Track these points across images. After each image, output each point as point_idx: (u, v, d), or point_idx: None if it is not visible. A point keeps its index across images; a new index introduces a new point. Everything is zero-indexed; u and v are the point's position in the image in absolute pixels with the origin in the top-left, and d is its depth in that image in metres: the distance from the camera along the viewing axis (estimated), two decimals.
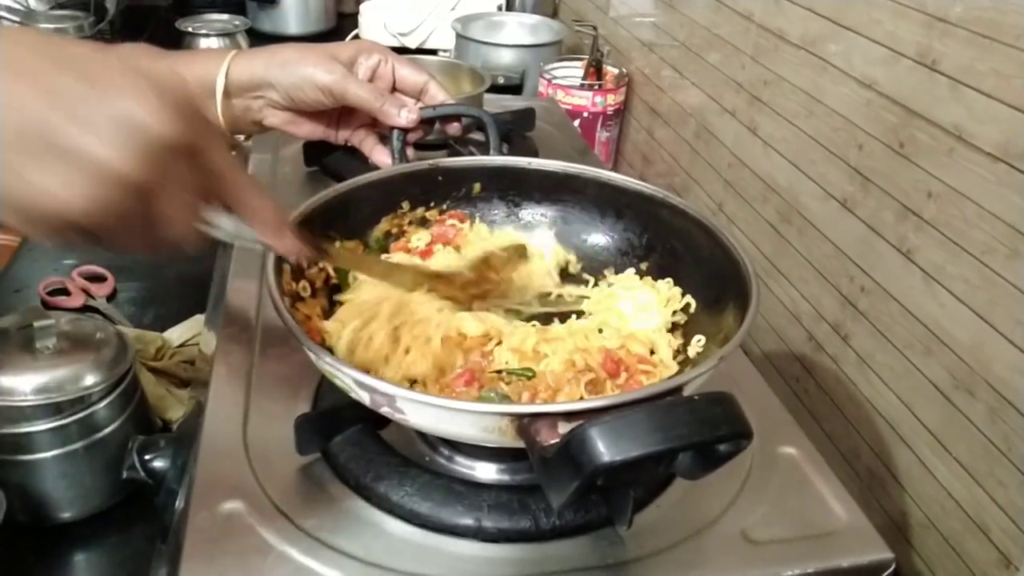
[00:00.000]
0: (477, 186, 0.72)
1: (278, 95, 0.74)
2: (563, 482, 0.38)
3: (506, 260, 0.69)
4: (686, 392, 0.46)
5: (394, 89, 0.79)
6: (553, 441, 0.39)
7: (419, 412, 0.45)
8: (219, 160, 0.41)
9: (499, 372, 0.56)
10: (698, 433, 0.39)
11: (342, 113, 0.78)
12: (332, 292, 0.62)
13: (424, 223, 0.71)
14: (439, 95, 0.78)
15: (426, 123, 0.77)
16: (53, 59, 0.35)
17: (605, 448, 0.37)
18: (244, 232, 0.45)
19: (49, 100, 0.34)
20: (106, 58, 0.37)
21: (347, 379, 0.46)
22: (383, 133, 0.79)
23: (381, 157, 0.79)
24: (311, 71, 0.72)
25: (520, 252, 0.70)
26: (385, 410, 0.46)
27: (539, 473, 0.41)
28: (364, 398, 0.46)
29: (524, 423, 0.41)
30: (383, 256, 0.68)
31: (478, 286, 0.66)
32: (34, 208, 0.34)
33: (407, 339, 0.58)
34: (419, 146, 0.80)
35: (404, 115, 0.74)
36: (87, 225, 0.35)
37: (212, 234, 0.44)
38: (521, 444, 0.43)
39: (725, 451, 0.41)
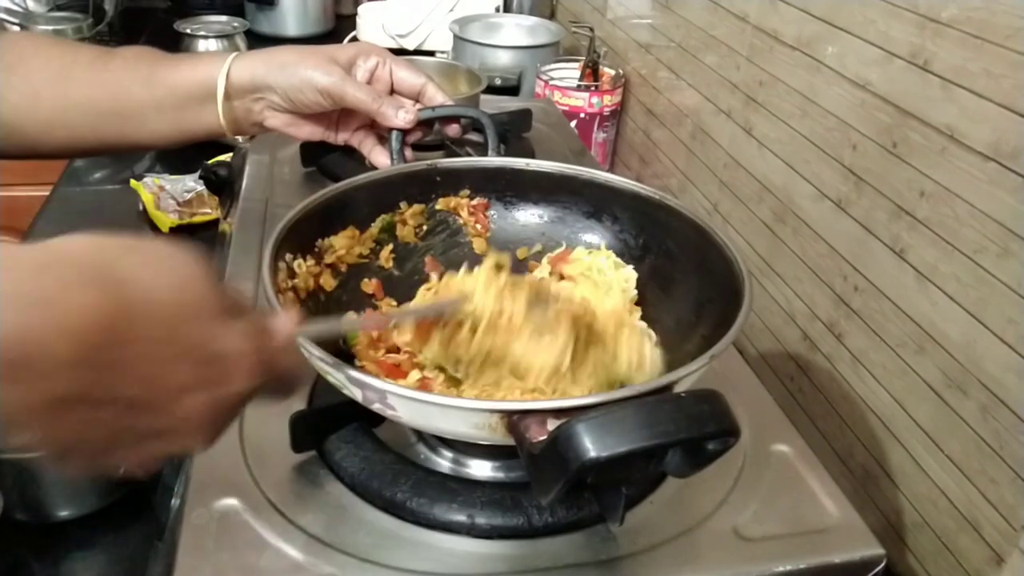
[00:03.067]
0: (467, 191, 0.72)
1: (278, 97, 0.74)
2: (551, 478, 0.39)
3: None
4: (677, 390, 0.46)
5: (392, 91, 0.79)
6: (542, 438, 0.40)
7: (410, 408, 0.45)
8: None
9: None
10: (685, 430, 0.39)
11: (341, 114, 0.79)
12: (316, 298, 0.62)
13: None
14: (437, 96, 0.79)
15: (425, 124, 0.78)
16: None
17: (591, 444, 0.37)
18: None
19: None
20: None
21: (339, 376, 0.46)
22: (382, 134, 0.80)
23: (380, 158, 0.79)
24: (310, 73, 0.73)
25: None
26: (377, 406, 0.46)
27: (528, 469, 0.41)
28: (356, 394, 0.47)
29: (514, 420, 0.42)
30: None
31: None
32: None
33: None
34: (417, 147, 0.81)
35: (401, 116, 0.75)
36: None
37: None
38: (512, 441, 0.43)
39: (713, 449, 0.41)
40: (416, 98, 0.80)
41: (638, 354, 0.56)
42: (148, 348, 0.34)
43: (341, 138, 0.81)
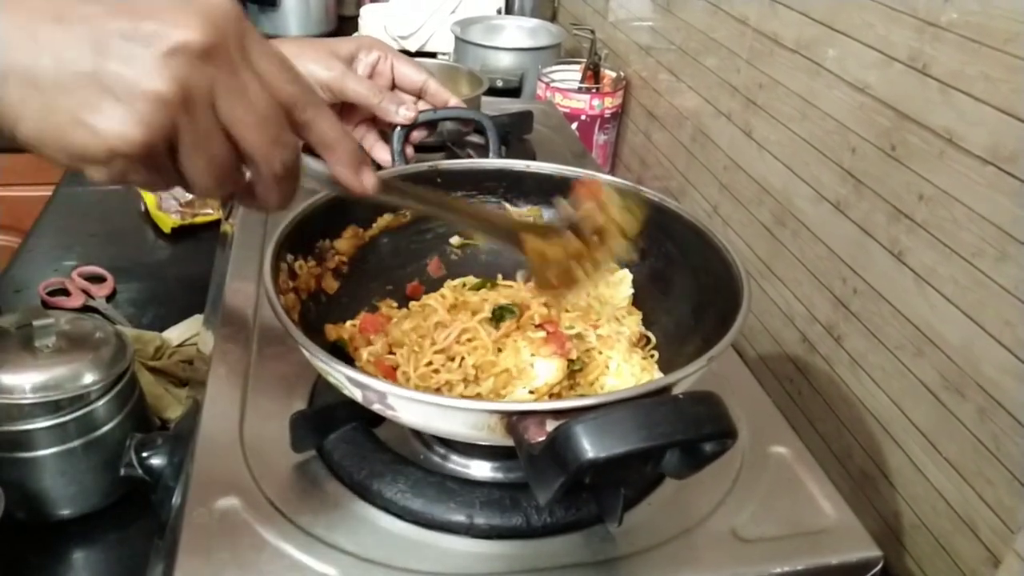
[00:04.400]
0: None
1: None
2: (549, 479, 0.39)
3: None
4: (675, 392, 0.47)
5: (393, 86, 0.80)
6: (540, 439, 0.40)
7: (409, 409, 0.46)
8: (274, 71, 0.38)
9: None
10: (682, 431, 0.39)
11: (343, 108, 0.79)
12: (317, 299, 0.63)
13: None
14: (440, 92, 0.79)
15: (428, 124, 0.78)
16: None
17: (589, 445, 0.37)
18: (313, 166, 0.41)
19: (90, 40, 0.34)
20: None
21: (339, 376, 0.46)
22: (384, 129, 0.80)
23: (381, 154, 0.79)
24: (310, 67, 0.73)
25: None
26: (377, 407, 0.47)
27: (527, 470, 0.41)
28: (356, 395, 0.47)
29: (513, 421, 0.42)
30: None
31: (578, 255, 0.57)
32: (93, 149, 0.34)
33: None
34: (419, 148, 0.81)
35: (402, 112, 0.75)
36: (148, 157, 0.35)
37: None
38: (511, 442, 0.43)
39: (711, 450, 0.41)
40: (418, 94, 0.80)
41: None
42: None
43: None
